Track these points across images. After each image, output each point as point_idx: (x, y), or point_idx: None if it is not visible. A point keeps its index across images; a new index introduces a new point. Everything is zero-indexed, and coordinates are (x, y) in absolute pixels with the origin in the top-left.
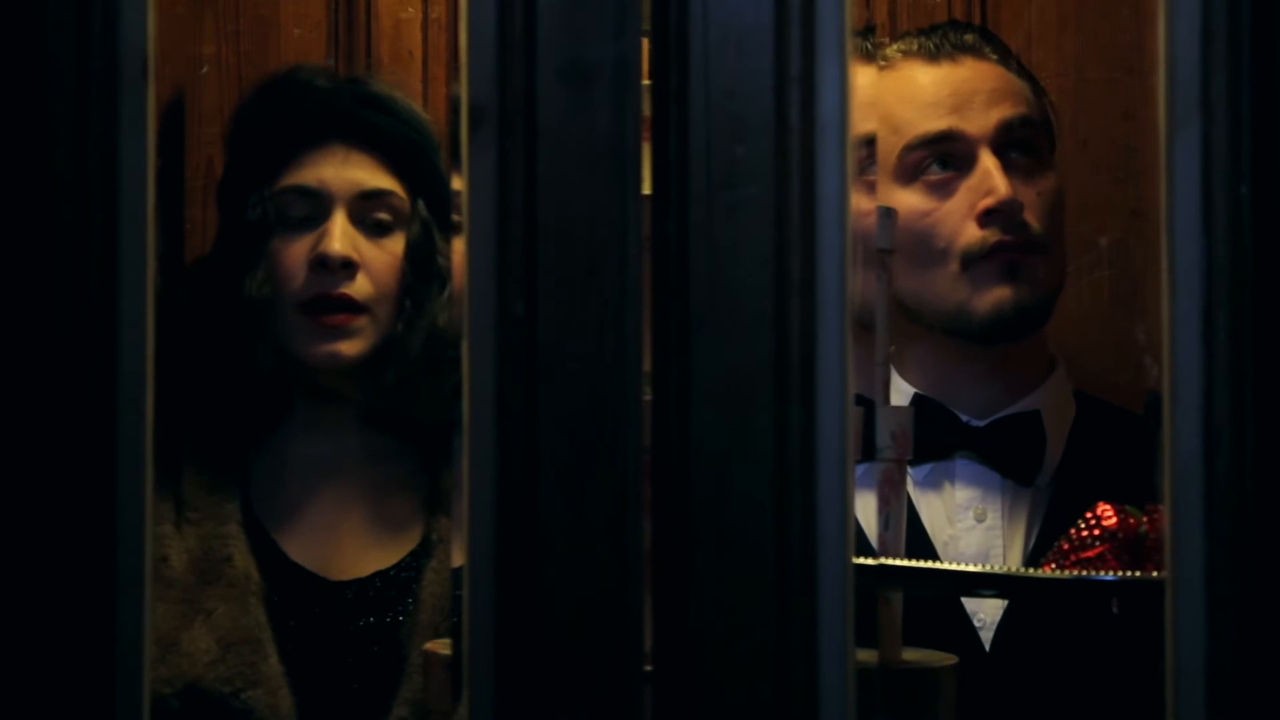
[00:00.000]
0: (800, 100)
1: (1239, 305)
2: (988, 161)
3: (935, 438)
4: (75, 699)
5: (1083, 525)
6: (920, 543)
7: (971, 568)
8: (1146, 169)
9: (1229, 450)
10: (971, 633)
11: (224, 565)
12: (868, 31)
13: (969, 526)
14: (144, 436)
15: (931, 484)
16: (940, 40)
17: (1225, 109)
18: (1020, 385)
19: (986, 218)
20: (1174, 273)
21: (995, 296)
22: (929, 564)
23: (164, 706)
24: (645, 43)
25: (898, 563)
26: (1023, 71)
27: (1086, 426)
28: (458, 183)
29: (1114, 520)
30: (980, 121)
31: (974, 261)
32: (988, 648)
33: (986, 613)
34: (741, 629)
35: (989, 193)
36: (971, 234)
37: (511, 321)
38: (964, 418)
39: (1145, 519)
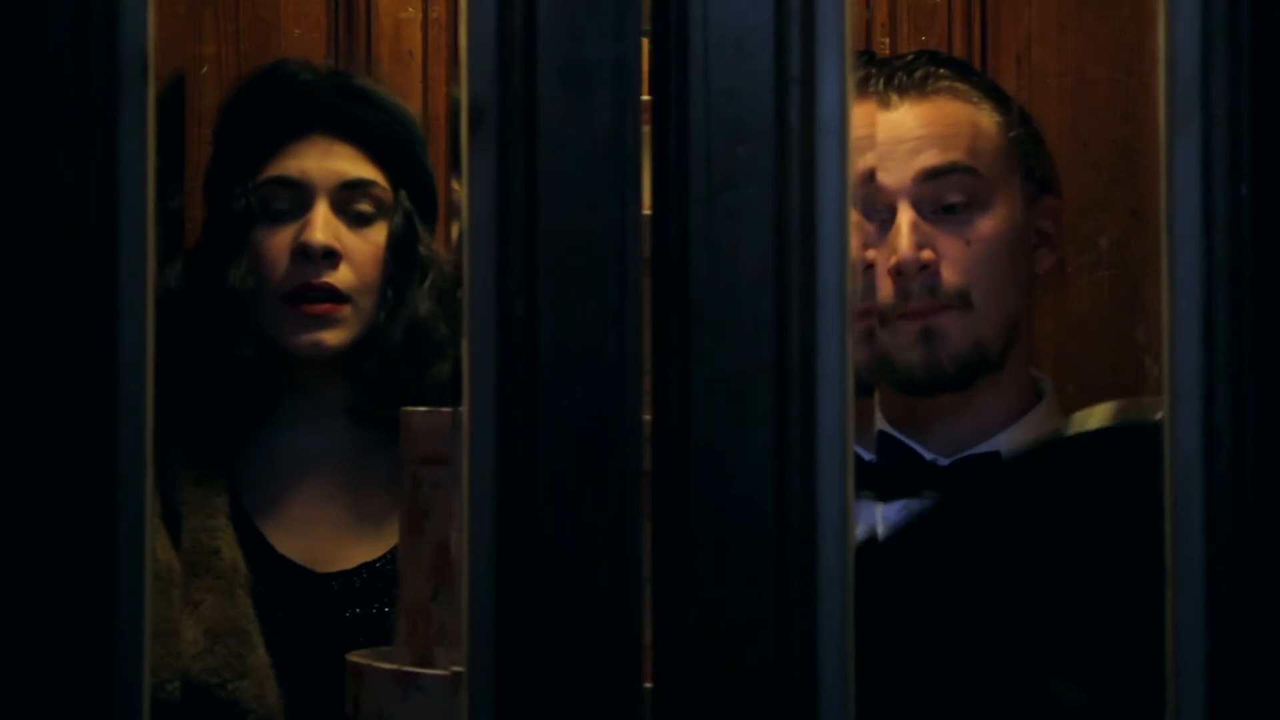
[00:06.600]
0: (800, 100)
1: (1239, 305)
2: (902, 216)
3: (901, 476)
4: (75, 694)
5: None
6: None
7: None
8: (1146, 169)
9: (1229, 450)
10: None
11: (212, 557)
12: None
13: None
14: (144, 434)
15: (897, 523)
16: (887, 80)
17: (1225, 109)
18: (992, 422)
19: (895, 275)
20: (1174, 273)
21: (906, 359)
22: None
23: (152, 697)
24: (645, 43)
25: None
26: (994, 98)
27: (1063, 463)
28: (457, 184)
29: None
30: (899, 172)
31: (888, 319)
32: None
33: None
34: (741, 629)
35: (895, 250)
36: (886, 290)
37: (511, 321)
38: (928, 456)
39: None
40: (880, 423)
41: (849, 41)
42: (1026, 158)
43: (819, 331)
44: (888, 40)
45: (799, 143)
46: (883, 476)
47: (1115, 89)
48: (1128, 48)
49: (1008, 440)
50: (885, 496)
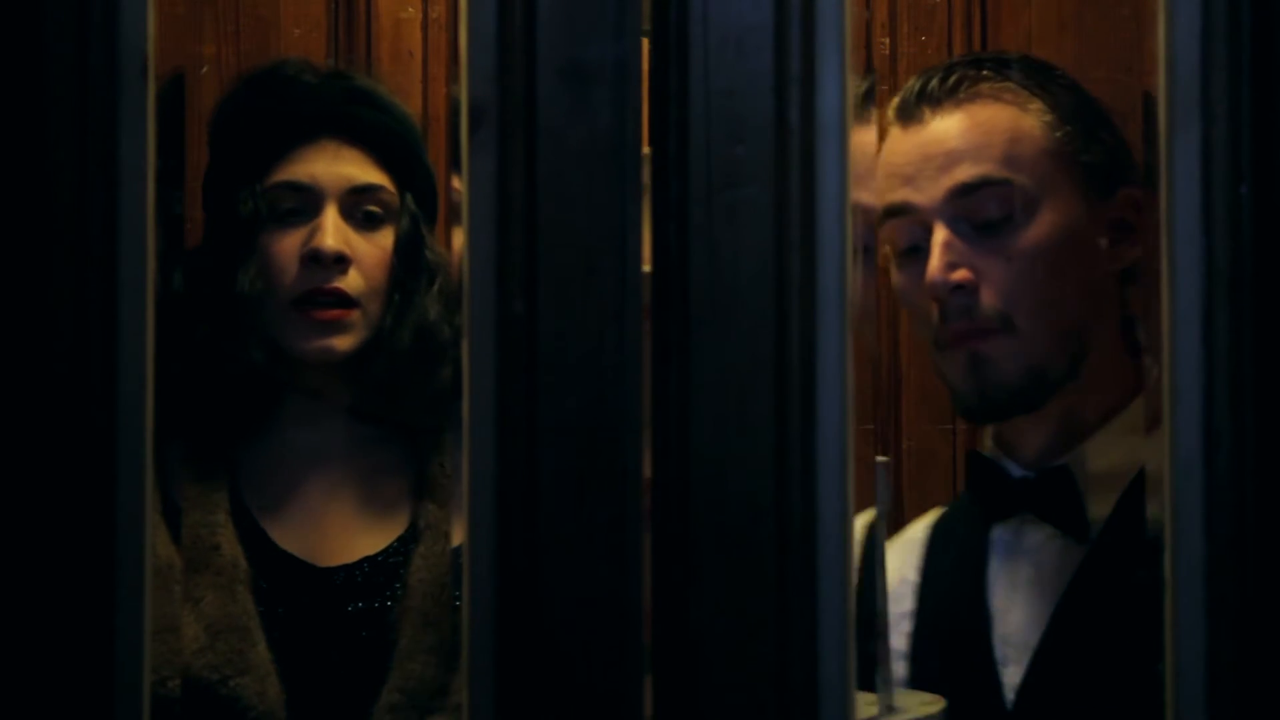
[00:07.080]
0: (800, 100)
1: (1239, 305)
2: (936, 236)
3: (995, 495)
4: (75, 691)
5: None
6: (976, 614)
7: None
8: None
9: (1229, 450)
10: (997, 688)
11: (212, 553)
12: (869, 91)
13: (1024, 590)
14: (144, 434)
15: (1012, 546)
16: (920, 94)
17: (1225, 109)
18: (1080, 430)
19: (933, 299)
20: (1174, 273)
21: (963, 389)
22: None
23: (152, 694)
24: (645, 43)
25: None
26: (1051, 93)
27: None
28: (457, 182)
29: None
30: (930, 191)
31: (942, 346)
32: (1010, 707)
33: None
34: (741, 629)
35: (928, 272)
36: (933, 317)
37: (511, 321)
38: (1017, 473)
39: None
40: (984, 442)
41: (849, 41)
42: (1082, 154)
43: (819, 331)
44: (888, 40)
45: (799, 143)
46: (985, 499)
47: (1115, 89)
48: (1128, 48)
49: (1079, 452)
50: (997, 518)
